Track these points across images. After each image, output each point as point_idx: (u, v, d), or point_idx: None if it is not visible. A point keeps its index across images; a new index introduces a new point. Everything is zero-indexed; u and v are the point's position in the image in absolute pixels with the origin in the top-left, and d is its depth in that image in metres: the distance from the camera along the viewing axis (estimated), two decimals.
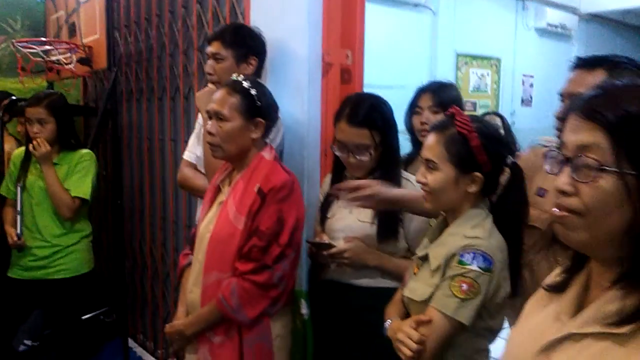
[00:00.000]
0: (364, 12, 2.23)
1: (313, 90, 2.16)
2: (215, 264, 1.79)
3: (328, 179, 2.06)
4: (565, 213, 0.83)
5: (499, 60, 6.28)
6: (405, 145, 2.15)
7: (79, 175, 2.77)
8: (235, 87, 1.83)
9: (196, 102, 2.24)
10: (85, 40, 3.46)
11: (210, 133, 1.82)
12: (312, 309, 2.10)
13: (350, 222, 1.92)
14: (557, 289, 0.95)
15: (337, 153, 1.91)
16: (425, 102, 2.15)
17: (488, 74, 6.19)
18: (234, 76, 1.89)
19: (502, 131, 3.09)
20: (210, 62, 2.19)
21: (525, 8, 6.41)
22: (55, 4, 3.97)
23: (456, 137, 1.44)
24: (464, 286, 1.38)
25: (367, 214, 1.90)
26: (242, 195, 1.78)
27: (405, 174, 1.97)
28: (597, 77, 1.53)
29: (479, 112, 5.95)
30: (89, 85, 4.00)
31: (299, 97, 2.17)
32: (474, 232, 1.42)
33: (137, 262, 3.55)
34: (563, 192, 0.83)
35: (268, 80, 2.27)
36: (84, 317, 2.85)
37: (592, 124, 0.80)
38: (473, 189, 1.46)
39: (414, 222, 1.88)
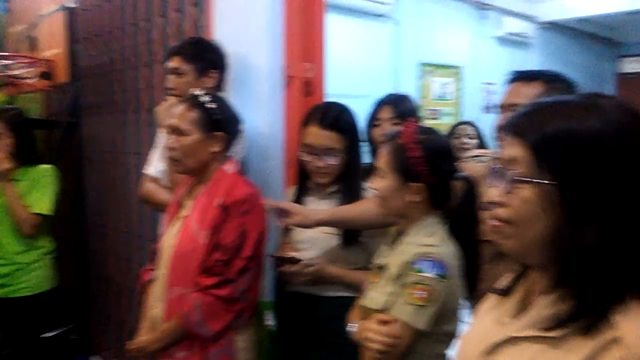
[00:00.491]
0: (324, 25, 2.26)
1: (275, 103, 2.18)
2: (178, 279, 1.79)
3: (292, 190, 2.07)
4: (497, 223, 0.89)
5: (460, 68, 6.39)
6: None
7: (40, 191, 2.72)
8: (194, 102, 1.83)
9: (157, 117, 2.23)
10: (46, 54, 3.41)
11: (170, 148, 1.82)
12: (278, 320, 2.11)
13: (313, 234, 1.93)
14: (504, 292, 0.99)
15: (306, 158, 1.92)
16: (385, 114, 2.19)
17: (450, 82, 6.30)
18: (193, 91, 1.89)
19: (473, 140, 3.15)
20: (170, 76, 2.19)
21: (485, 17, 6.55)
22: (15, 17, 3.91)
23: (400, 147, 1.50)
24: (421, 293, 1.40)
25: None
26: (204, 210, 1.78)
27: (365, 185, 2.00)
28: (536, 89, 1.59)
29: (443, 120, 6.06)
30: (51, 98, 3.95)
31: (262, 110, 2.19)
32: (429, 240, 1.46)
33: (101, 277, 3.51)
34: (495, 203, 0.89)
35: (231, 94, 2.28)
36: (44, 336, 2.79)
37: (517, 140, 0.87)
38: (416, 198, 1.49)
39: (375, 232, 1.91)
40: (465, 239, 1.53)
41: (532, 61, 7.32)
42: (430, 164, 1.48)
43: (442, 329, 1.46)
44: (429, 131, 1.58)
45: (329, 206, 1.95)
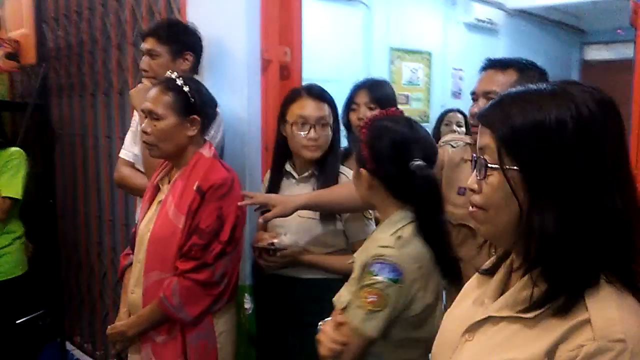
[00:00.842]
0: (302, 8, 2.26)
1: (252, 87, 2.17)
2: (155, 263, 1.78)
3: (269, 175, 2.08)
4: (474, 209, 0.93)
5: (430, 54, 6.44)
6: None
7: (8, 174, 2.67)
8: (168, 85, 1.82)
9: (130, 100, 2.21)
10: (11, 34, 3.32)
11: (145, 132, 1.81)
12: (256, 303, 2.12)
13: (290, 218, 1.93)
14: (488, 272, 1.03)
15: (299, 132, 1.92)
16: (362, 98, 2.21)
17: (420, 68, 6.34)
18: (168, 73, 1.87)
19: (462, 127, 3.14)
20: (145, 58, 2.16)
21: (454, 3, 6.59)
22: None
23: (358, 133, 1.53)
24: (372, 297, 1.35)
25: (307, 210, 1.93)
26: (182, 194, 1.78)
27: (342, 168, 2.02)
28: (509, 76, 1.65)
29: (413, 105, 6.11)
30: (18, 80, 3.85)
31: (239, 94, 2.18)
32: (388, 240, 1.39)
33: (72, 262, 3.46)
34: (472, 190, 0.93)
35: (206, 77, 2.27)
36: (18, 322, 2.75)
37: (487, 130, 0.91)
38: (363, 185, 1.49)
39: (351, 217, 1.95)
40: (429, 231, 1.44)
41: (500, 48, 7.41)
42: (375, 151, 1.43)
43: (406, 334, 1.41)
44: (395, 120, 1.49)
45: (306, 190, 1.96)
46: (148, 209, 1.90)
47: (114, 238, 3.10)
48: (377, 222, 2.01)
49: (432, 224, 1.43)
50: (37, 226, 3.21)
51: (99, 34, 3.02)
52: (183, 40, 2.15)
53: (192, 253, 1.75)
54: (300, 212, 1.92)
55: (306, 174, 2.00)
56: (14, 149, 2.75)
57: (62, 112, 3.40)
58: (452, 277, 1.47)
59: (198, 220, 1.75)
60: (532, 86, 0.92)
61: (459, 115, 3.19)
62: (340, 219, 1.96)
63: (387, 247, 1.37)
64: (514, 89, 0.93)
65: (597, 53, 8.94)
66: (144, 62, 2.16)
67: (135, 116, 2.31)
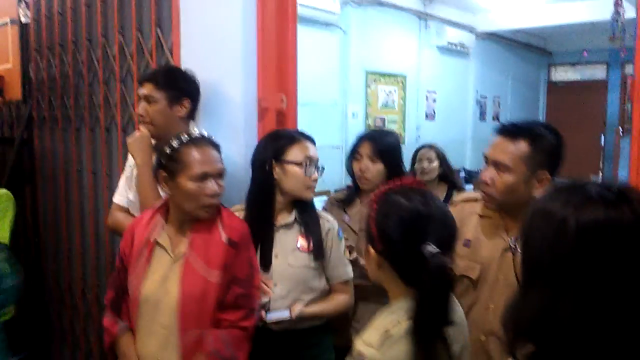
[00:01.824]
0: (297, 56, 2.29)
1: (250, 134, 2.19)
2: (193, 322, 1.74)
3: (250, 223, 1.98)
4: None
5: (404, 77, 6.55)
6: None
7: None
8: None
9: (129, 148, 2.19)
10: None
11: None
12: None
13: (281, 269, 1.97)
14: None
15: (313, 173, 1.97)
16: (365, 149, 2.25)
17: (395, 91, 6.44)
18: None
19: (434, 163, 3.19)
20: (142, 104, 2.16)
21: (427, 27, 6.73)
22: None
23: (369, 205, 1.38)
24: None
25: (298, 259, 1.98)
26: (207, 248, 1.76)
27: (320, 212, 2.09)
28: (520, 147, 1.67)
29: (388, 127, 6.18)
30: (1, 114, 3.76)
31: (236, 141, 2.19)
32: (374, 338, 1.23)
33: (55, 299, 3.39)
34: None
35: (203, 123, 2.27)
36: None
37: None
38: (372, 265, 1.35)
39: (332, 254, 2.02)
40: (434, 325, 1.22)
41: (471, 70, 7.60)
42: (383, 230, 1.28)
43: None
44: (408, 194, 1.31)
45: (292, 237, 2.00)
46: (147, 268, 1.81)
47: (99, 274, 3.06)
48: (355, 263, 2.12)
49: (432, 325, 1.20)
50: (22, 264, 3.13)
51: (84, 69, 2.99)
52: (181, 87, 2.15)
53: (239, 302, 1.78)
54: (291, 261, 1.97)
55: (289, 220, 2.02)
56: (1, 191, 2.67)
57: (44, 145, 3.35)
58: None
59: (234, 271, 1.77)
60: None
61: (431, 152, 3.25)
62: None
63: (370, 346, 1.22)
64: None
65: (563, 74, 9.23)
66: (141, 107, 2.16)
67: (130, 161, 2.29)
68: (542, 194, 0.98)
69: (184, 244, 1.79)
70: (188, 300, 1.74)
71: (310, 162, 1.98)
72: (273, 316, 1.89)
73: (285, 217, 2.02)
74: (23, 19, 3.12)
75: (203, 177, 1.74)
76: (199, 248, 1.77)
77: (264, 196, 2.00)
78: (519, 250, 0.91)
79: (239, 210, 2.01)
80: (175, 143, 1.77)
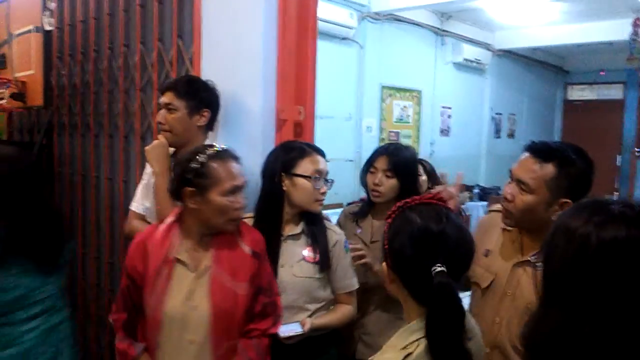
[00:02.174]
0: (316, 68, 2.31)
1: (267, 145, 2.20)
2: (224, 335, 1.75)
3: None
4: None
5: (420, 92, 6.58)
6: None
7: None
8: None
9: (146, 156, 2.22)
10: (18, 75, 3.32)
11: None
12: None
13: (288, 278, 1.99)
14: None
15: (315, 186, 2.00)
16: (381, 164, 2.25)
17: (410, 106, 6.46)
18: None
19: (422, 177, 3.18)
20: (162, 111, 2.19)
21: (444, 44, 6.76)
22: None
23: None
24: None
25: (303, 269, 2.01)
26: (233, 262, 1.76)
27: (327, 223, 2.12)
28: (546, 170, 1.62)
29: (402, 142, 6.19)
30: (21, 119, 3.82)
31: (253, 151, 2.21)
32: (392, 357, 1.21)
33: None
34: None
35: (221, 133, 2.30)
36: None
37: None
38: (387, 279, 1.33)
39: (339, 265, 2.06)
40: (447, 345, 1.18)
41: (487, 87, 7.60)
42: (394, 246, 1.26)
43: None
44: (423, 211, 1.27)
45: (299, 249, 2.03)
46: (169, 286, 1.75)
47: (113, 280, 3.08)
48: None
49: (446, 344, 1.17)
50: None
51: (105, 77, 3.03)
52: (201, 97, 2.18)
53: (267, 311, 1.82)
54: (296, 271, 2.00)
55: (296, 231, 2.04)
56: None
57: (63, 151, 3.39)
58: None
59: (259, 281, 1.80)
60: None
61: (419, 167, 3.24)
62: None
63: None
64: None
65: (580, 93, 9.19)
66: (161, 115, 2.19)
67: (148, 168, 2.32)
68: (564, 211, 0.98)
69: (207, 258, 1.77)
70: (219, 314, 1.73)
71: (320, 175, 2.01)
72: (286, 331, 1.90)
73: (293, 228, 2.05)
74: (47, 27, 3.17)
75: (233, 191, 1.73)
76: (223, 262, 1.76)
77: (273, 207, 2.03)
78: (538, 267, 0.91)
79: (247, 219, 2.02)
80: (202, 158, 1.73)
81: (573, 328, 0.87)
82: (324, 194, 2.03)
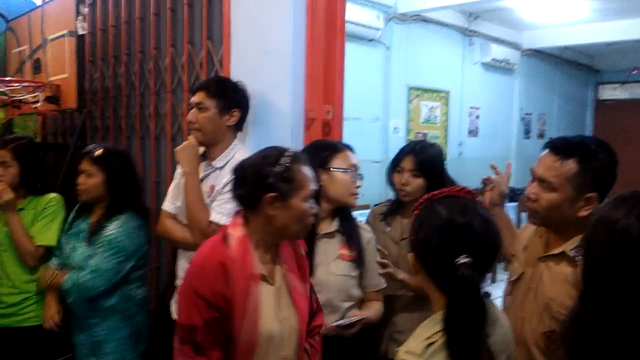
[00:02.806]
0: (344, 68, 2.32)
1: (296, 144, 2.23)
2: (303, 341, 1.76)
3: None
4: None
5: (447, 93, 6.54)
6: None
7: (44, 221, 2.67)
8: None
9: (176, 156, 2.25)
10: (52, 79, 3.40)
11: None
12: None
13: (325, 277, 2.01)
14: None
15: (352, 180, 2.05)
16: (407, 164, 2.23)
17: (437, 107, 6.43)
18: None
19: None
20: (193, 111, 2.22)
21: (471, 44, 6.71)
22: (17, 37, 3.87)
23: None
24: None
25: (340, 267, 2.03)
26: (297, 266, 1.74)
27: (360, 223, 2.15)
28: (567, 166, 1.59)
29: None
30: (48, 118, 3.93)
31: None
32: (416, 347, 1.22)
33: None
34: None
35: (251, 132, 2.33)
36: None
37: None
38: (413, 270, 1.34)
39: (371, 263, 2.10)
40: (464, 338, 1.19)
41: (516, 87, 7.53)
42: (419, 237, 1.29)
43: None
44: (449, 203, 1.29)
45: (333, 247, 2.05)
46: (260, 306, 1.62)
47: (158, 283, 3.08)
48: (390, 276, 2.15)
49: (465, 336, 1.18)
50: None
51: (136, 80, 3.09)
52: (231, 97, 2.21)
53: (319, 306, 1.84)
54: (333, 269, 2.02)
55: (331, 229, 2.06)
56: (52, 195, 2.76)
57: None
58: None
59: (309, 279, 1.81)
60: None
61: None
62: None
63: (412, 354, 1.21)
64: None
65: (611, 92, 9.03)
66: (192, 114, 2.22)
67: (179, 169, 2.35)
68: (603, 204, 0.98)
69: (278, 268, 1.69)
70: (304, 323, 1.71)
71: (355, 169, 2.05)
72: (342, 322, 1.94)
73: (328, 226, 2.06)
74: (80, 31, 3.24)
75: (313, 196, 1.64)
76: (292, 268, 1.71)
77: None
78: (577, 261, 0.90)
79: None
80: (286, 161, 1.59)
81: (614, 325, 0.86)
82: (358, 187, 2.08)
